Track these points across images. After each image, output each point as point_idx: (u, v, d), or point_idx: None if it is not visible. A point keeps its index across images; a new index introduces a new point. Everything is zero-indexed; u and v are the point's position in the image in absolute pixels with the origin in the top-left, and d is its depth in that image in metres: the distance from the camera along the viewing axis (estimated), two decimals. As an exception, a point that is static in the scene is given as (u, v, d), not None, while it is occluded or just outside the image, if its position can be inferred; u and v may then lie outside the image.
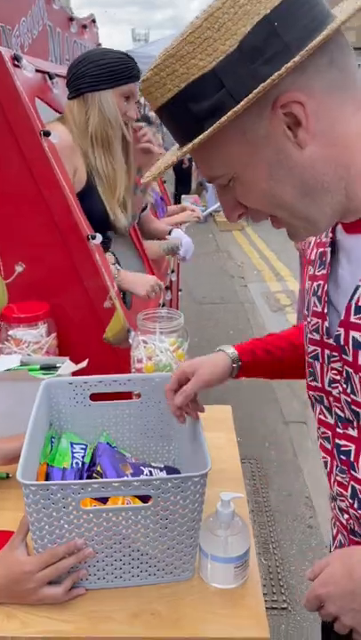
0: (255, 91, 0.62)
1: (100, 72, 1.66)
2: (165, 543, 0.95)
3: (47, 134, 1.43)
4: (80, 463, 1.17)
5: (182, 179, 8.95)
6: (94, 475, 1.08)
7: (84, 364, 1.29)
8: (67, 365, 1.31)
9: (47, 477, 1.07)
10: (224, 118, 0.63)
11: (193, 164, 10.97)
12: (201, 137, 0.65)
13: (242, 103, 0.63)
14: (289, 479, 2.72)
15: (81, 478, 1.08)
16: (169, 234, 2.49)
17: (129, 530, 0.93)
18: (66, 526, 0.91)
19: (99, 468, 1.08)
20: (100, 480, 0.98)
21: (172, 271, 2.70)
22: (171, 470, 1.16)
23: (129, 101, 1.75)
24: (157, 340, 1.41)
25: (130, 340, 1.57)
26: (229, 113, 0.63)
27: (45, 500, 0.88)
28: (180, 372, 1.05)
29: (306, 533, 2.36)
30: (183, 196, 4.60)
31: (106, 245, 1.80)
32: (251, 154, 0.68)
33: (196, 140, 0.66)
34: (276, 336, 1.10)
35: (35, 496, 0.88)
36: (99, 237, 1.54)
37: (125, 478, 1.01)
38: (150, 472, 1.12)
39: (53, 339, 1.50)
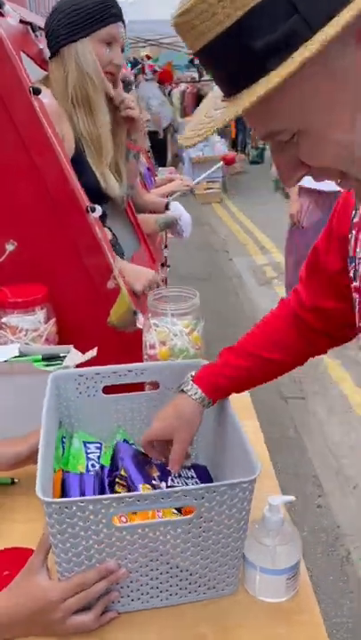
0: (349, 13, 0.47)
1: (73, 20, 1.45)
2: (208, 557, 0.83)
3: (37, 92, 1.25)
4: (97, 465, 1.04)
5: (158, 151, 8.62)
6: (117, 479, 0.95)
7: (93, 352, 1.14)
8: (72, 355, 1.16)
9: (63, 485, 0.94)
10: (314, 50, 0.48)
11: (168, 135, 10.46)
12: (276, 80, 0.50)
13: (335, 28, 0.48)
14: (293, 458, 2.63)
15: (102, 485, 0.95)
16: (166, 207, 2.31)
17: (167, 545, 0.80)
18: (95, 546, 0.78)
19: (122, 472, 0.95)
20: (135, 493, 0.85)
21: (165, 246, 2.55)
22: (199, 469, 1.04)
23: (112, 47, 1.52)
24: (170, 323, 1.27)
25: (137, 324, 1.43)
26: (318, 43, 0.48)
27: (72, 518, 0.75)
28: (154, 435, 0.98)
29: (316, 514, 2.29)
30: (160, 169, 4.34)
31: (102, 220, 1.63)
32: (331, 92, 0.54)
33: (272, 85, 0.51)
34: (231, 353, 1.01)
35: (59, 515, 0.74)
36: (98, 210, 1.38)
37: (164, 489, 0.89)
38: (178, 473, 0.99)
39: (53, 325, 1.34)
